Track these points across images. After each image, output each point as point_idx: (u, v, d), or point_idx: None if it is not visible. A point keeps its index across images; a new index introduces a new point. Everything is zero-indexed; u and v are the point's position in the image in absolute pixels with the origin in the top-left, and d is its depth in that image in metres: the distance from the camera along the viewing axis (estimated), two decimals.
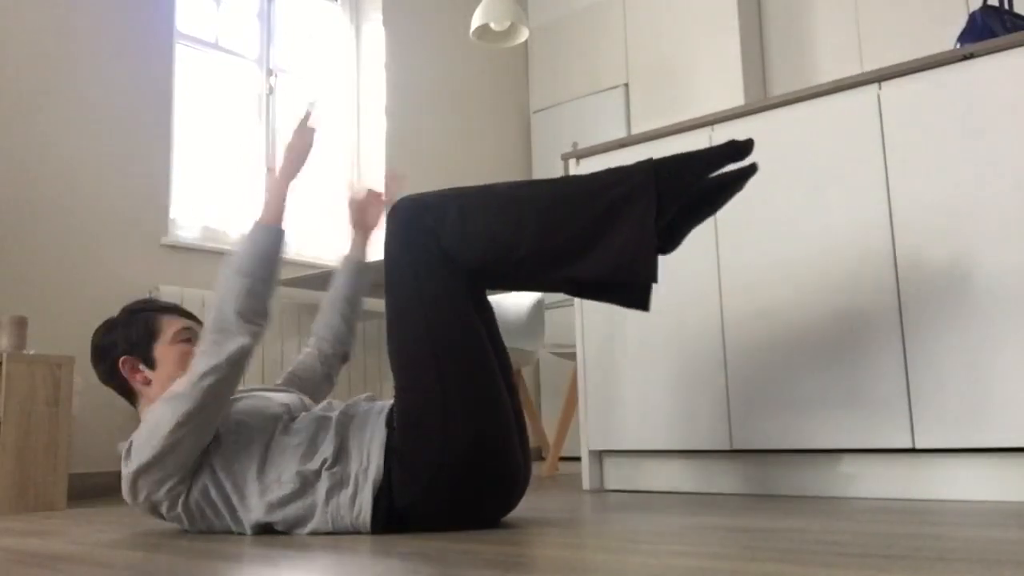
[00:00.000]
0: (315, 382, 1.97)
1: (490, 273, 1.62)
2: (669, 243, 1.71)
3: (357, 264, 2.06)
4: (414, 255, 1.58)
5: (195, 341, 1.73)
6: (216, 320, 1.55)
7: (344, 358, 2.02)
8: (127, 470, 1.57)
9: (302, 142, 1.72)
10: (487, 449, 1.54)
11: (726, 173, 1.69)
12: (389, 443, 1.56)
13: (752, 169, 1.70)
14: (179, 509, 1.60)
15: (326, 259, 4.21)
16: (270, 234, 1.61)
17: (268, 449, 1.59)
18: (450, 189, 1.65)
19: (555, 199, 1.58)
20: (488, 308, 1.70)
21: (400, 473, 1.54)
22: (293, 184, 1.70)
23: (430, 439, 1.52)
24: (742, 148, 1.64)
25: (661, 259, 2.17)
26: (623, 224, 1.55)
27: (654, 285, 2.35)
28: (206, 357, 1.53)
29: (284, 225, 1.65)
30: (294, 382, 1.94)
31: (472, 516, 1.57)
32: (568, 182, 1.61)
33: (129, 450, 1.59)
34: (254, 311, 1.56)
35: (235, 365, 1.54)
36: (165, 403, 1.53)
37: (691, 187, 1.62)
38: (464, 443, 1.52)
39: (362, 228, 2.10)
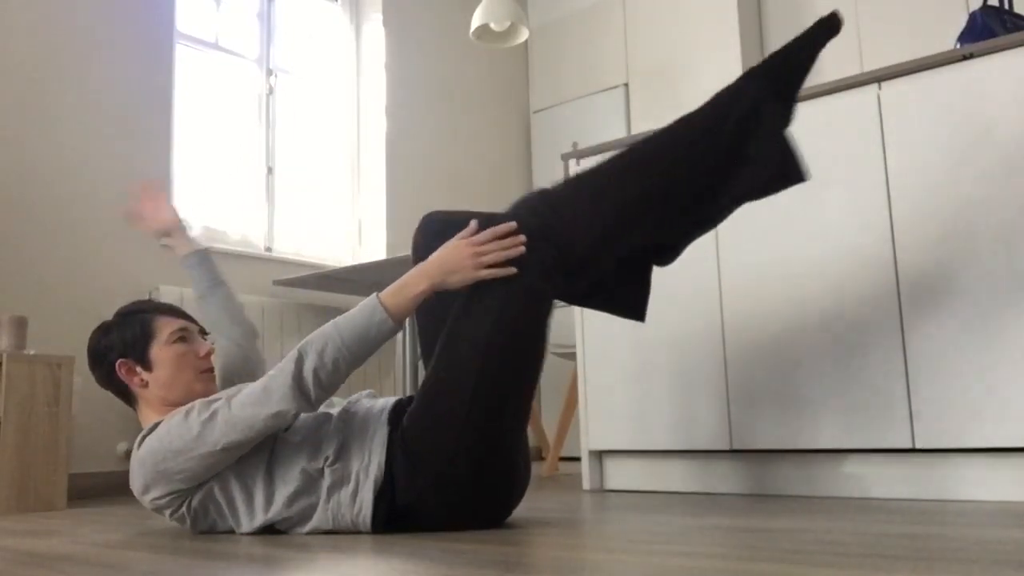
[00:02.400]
0: (242, 366, 1.95)
1: (620, 251, 1.61)
2: (668, 256, 1.71)
3: (199, 255, 2.01)
4: (525, 261, 1.53)
5: (191, 341, 1.72)
6: (295, 369, 1.48)
7: (253, 333, 2.00)
8: (141, 469, 1.56)
9: (474, 265, 1.51)
10: (495, 459, 1.54)
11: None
12: (391, 441, 1.56)
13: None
14: (183, 510, 1.59)
15: (326, 259, 4.21)
16: (386, 328, 1.51)
17: (274, 449, 1.58)
18: (571, 179, 1.62)
19: (684, 145, 1.60)
20: None
21: (404, 473, 1.53)
22: (433, 289, 1.53)
23: (442, 440, 1.52)
24: (834, 22, 1.67)
25: (659, 269, 2.17)
26: (757, 139, 1.59)
27: (653, 288, 2.35)
28: (277, 398, 1.48)
29: (401, 323, 1.54)
30: (232, 380, 1.92)
31: (473, 516, 1.57)
32: (686, 124, 1.62)
33: (140, 443, 1.58)
34: (329, 383, 1.50)
35: (279, 423, 1.51)
36: (215, 422, 1.50)
37: (805, 70, 1.66)
38: (475, 454, 1.52)
39: (171, 231, 2.01)
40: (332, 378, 1.50)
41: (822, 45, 1.67)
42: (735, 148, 1.60)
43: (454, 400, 1.51)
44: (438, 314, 1.59)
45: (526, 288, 1.52)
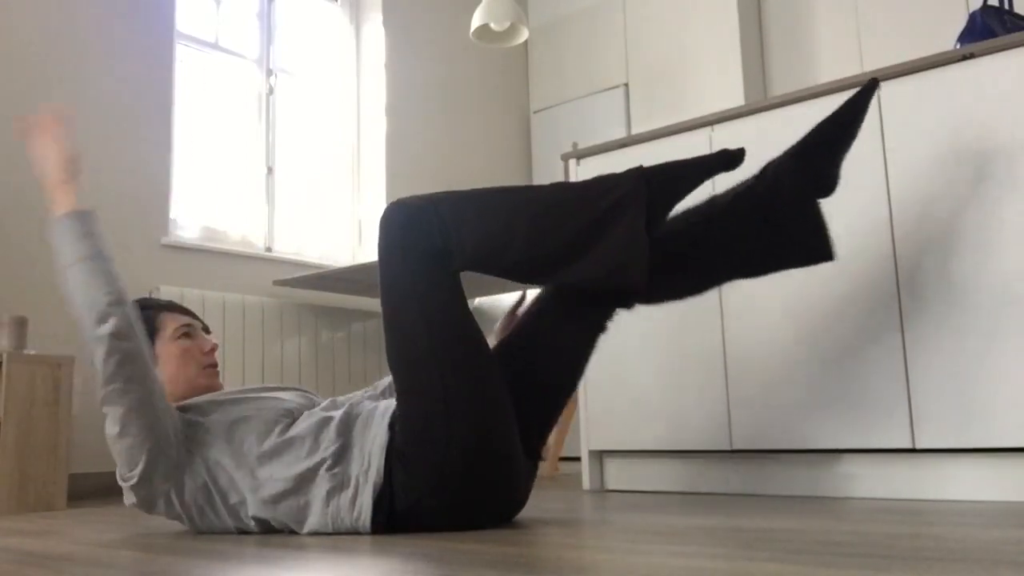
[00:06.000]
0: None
1: (484, 274, 1.63)
2: (828, 186, 1.69)
3: None
4: (410, 256, 1.58)
5: (195, 336, 1.74)
6: (86, 324, 1.52)
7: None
8: (118, 473, 1.60)
9: (54, 155, 1.64)
10: (490, 452, 1.54)
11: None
12: (391, 445, 1.56)
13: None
14: (177, 507, 1.60)
15: (326, 259, 4.21)
16: (71, 219, 1.57)
17: (267, 448, 1.59)
18: (443, 192, 1.65)
19: (547, 206, 1.58)
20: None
21: (402, 476, 1.53)
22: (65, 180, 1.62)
23: (434, 442, 1.52)
24: (734, 157, 1.65)
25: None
26: (613, 232, 1.55)
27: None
28: (99, 362, 1.51)
29: (77, 207, 1.58)
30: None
31: (473, 520, 1.57)
32: (560, 189, 1.61)
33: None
34: (107, 290, 1.53)
35: (124, 353, 1.51)
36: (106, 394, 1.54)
37: (682, 195, 1.62)
38: (467, 446, 1.52)
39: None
40: (103, 283, 1.53)
41: (712, 173, 1.64)
42: (589, 234, 1.56)
43: (431, 410, 1.53)
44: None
45: (429, 283, 1.56)
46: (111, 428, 1.54)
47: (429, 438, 1.52)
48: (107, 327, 1.50)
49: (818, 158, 1.67)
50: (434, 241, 1.57)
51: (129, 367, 1.51)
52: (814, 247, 1.66)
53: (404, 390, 1.57)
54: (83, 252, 1.54)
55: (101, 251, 1.56)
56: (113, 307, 1.52)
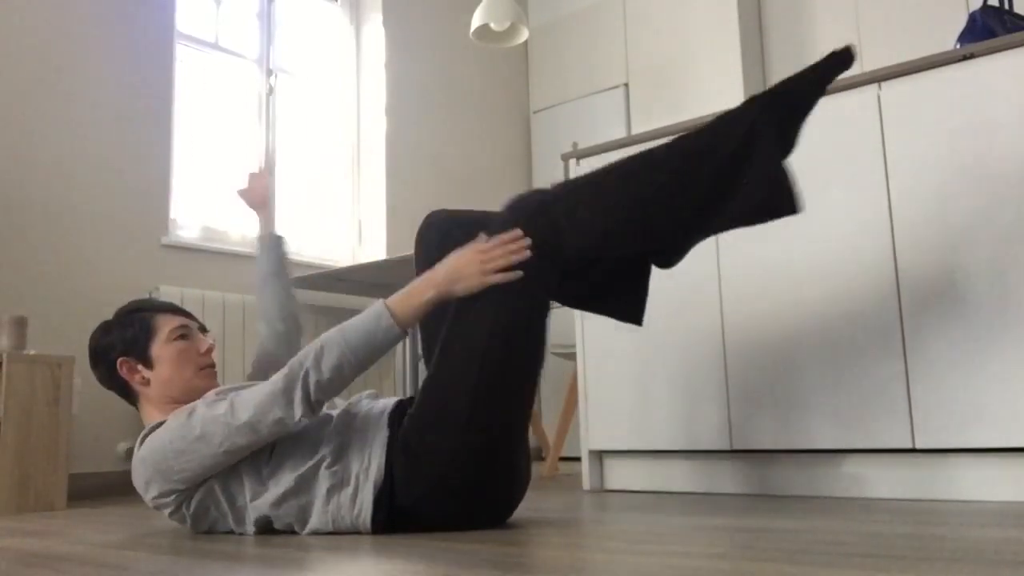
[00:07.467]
0: (276, 360, 1.93)
1: (616, 255, 1.61)
2: (672, 258, 1.70)
3: (273, 238, 2.02)
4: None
5: (191, 337, 1.73)
6: (301, 376, 1.49)
7: (298, 331, 1.97)
8: (142, 467, 1.57)
9: (480, 272, 1.52)
10: (497, 459, 1.54)
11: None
12: (391, 442, 1.56)
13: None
14: (183, 511, 1.60)
15: (326, 259, 4.21)
16: (392, 334, 1.52)
17: (275, 449, 1.58)
18: (567, 183, 1.61)
19: (676, 163, 1.57)
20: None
21: (404, 473, 1.53)
22: (440, 298, 1.54)
23: (443, 442, 1.51)
24: (844, 56, 1.61)
25: (659, 271, 2.17)
26: (749, 168, 1.55)
27: (653, 288, 2.36)
28: (283, 404, 1.49)
29: (407, 330, 1.55)
30: (265, 370, 1.91)
31: (473, 517, 1.57)
32: (683, 143, 1.59)
33: (142, 441, 1.59)
34: (333, 389, 1.51)
35: (288, 427, 1.52)
36: (218, 424, 1.51)
37: (804, 110, 1.61)
38: (476, 452, 1.52)
39: (261, 207, 2.05)
40: (336, 384, 1.51)
41: (830, 79, 1.62)
42: (728, 174, 1.56)
43: (455, 401, 1.51)
44: (440, 313, 1.59)
45: (520, 290, 1.52)
46: (219, 443, 1.51)
47: (440, 447, 1.51)
48: (309, 408, 1.50)
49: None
50: (557, 239, 1.55)
51: (276, 434, 1.52)
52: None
53: (430, 394, 1.55)
54: (366, 358, 1.52)
55: (366, 366, 1.54)
56: (324, 403, 1.53)
